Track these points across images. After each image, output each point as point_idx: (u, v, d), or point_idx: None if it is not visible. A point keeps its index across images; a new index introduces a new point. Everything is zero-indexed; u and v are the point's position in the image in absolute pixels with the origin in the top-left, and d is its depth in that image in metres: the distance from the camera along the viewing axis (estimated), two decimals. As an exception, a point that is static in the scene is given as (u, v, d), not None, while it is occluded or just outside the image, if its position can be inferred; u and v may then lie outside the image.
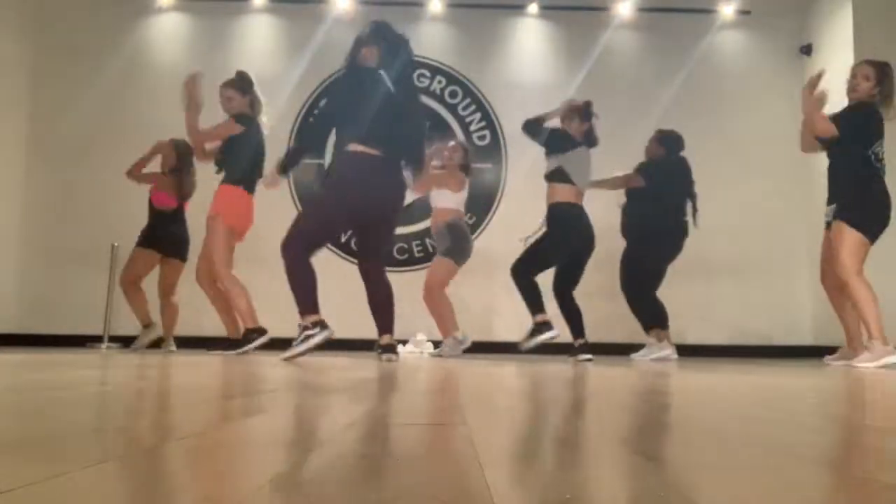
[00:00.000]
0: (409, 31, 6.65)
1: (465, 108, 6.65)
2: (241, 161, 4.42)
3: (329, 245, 6.30)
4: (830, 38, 6.19)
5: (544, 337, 4.63)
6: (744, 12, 6.69)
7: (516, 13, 6.75)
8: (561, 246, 4.69)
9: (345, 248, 6.23)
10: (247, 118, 4.53)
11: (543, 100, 6.51)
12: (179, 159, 5.24)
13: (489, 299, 6.03)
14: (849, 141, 4.18)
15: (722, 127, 6.52)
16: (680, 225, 5.05)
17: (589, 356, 4.49)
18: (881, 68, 4.33)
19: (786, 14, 6.66)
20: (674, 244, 5.05)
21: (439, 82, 6.67)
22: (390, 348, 3.74)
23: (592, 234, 4.68)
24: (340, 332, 5.92)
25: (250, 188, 4.47)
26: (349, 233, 5.72)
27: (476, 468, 0.70)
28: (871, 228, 4.15)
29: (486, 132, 6.64)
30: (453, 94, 6.66)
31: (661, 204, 5.03)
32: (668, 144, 5.23)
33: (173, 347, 5.25)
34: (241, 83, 4.67)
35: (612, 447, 0.93)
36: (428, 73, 6.67)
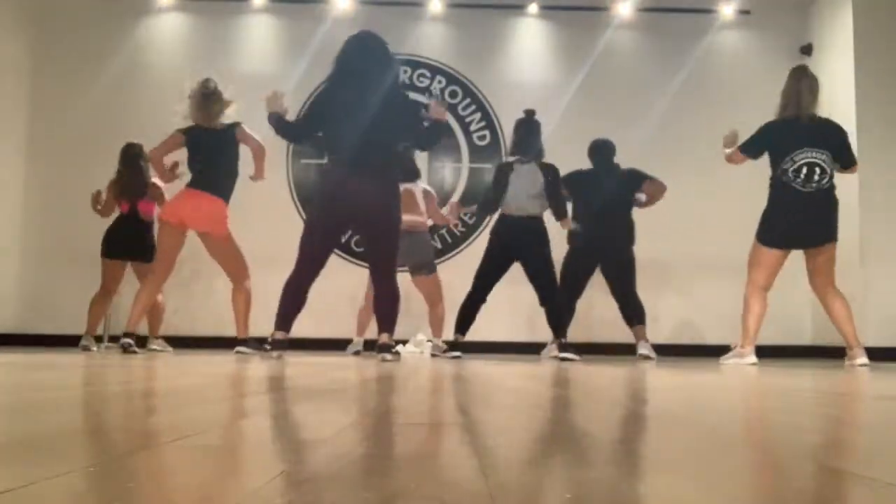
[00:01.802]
0: (409, 31, 6.73)
1: (465, 108, 6.65)
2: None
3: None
4: (830, 38, 6.19)
5: (450, 354, 4.74)
6: (744, 12, 6.69)
7: (516, 13, 6.74)
8: (484, 256, 4.83)
9: (344, 248, 6.23)
10: (184, 129, 4.61)
11: (543, 100, 6.51)
12: (120, 162, 5.26)
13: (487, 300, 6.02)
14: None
15: (722, 127, 6.44)
16: (596, 234, 4.95)
17: (564, 354, 4.53)
18: (794, 78, 4.36)
19: (786, 14, 6.65)
20: (580, 254, 5.05)
21: (439, 82, 6.66)
22: (385, 348, 3.77)
23: (527, 239, 4.67)
24: (341, 332, 5.96)
25: (191, 184, 4.55)
26: (348, 233, 5.75)
27: (476, 468, 0.70)
28: (763, 236, 4.34)
29: (486, 132, 6.64)
30: (453, 94, 6.66)
31: (580, 214, 5.05)
32: (592, 154, 5.24)
33: (157, 347, 5.15)
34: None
35: (612, 447, 0.93)
36: (428, 73, 6.67)
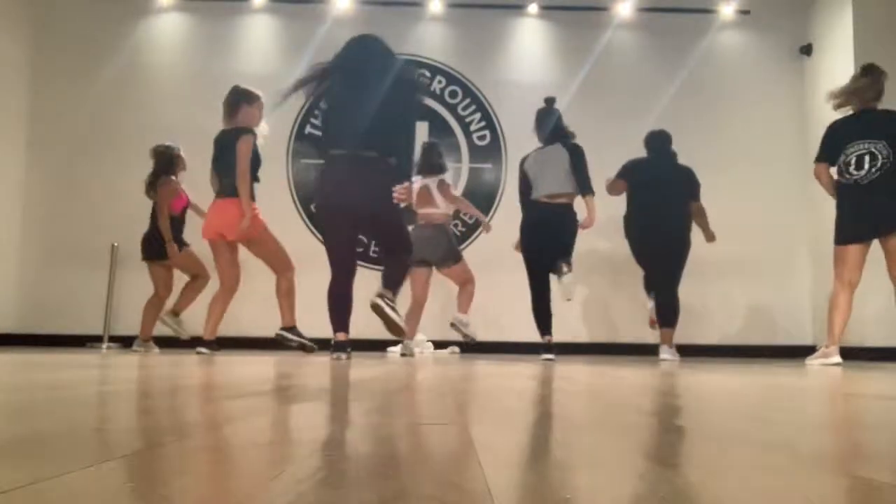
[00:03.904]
0: (409, 31, 6.73)
1: (465, 108, 6.65)
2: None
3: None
4: (830, 38, 6.19)
5: (544, 356, 4.70)
6: (744, 12, 6.69)
7: (516, 13, 6.75)
8: (523, 253, 4.91)
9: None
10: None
11: (543, 100, 6.52)
12: (155, 164, 5.27)
13: (487, 299, 6.02)
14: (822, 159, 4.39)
15: (722, 127, 6.52)
16: (655, 221, 4.99)
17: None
18: (854, 77, 4.42)
19: (786, 14, 6.66)
20: (642, 240, 5.07)
21: (439, 82, 6.67)
22: (382, 297, 3.76)
23: (554, 225, 4.72)
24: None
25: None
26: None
27: (476, 468, 0.70)
28: (836, 238, 4.35)
29: (486, 132, 6.64)
30: (453, 94, 6.66)
31: (635, 202, 5.10)
32: (648, 144, 5.26)
33: (141, 348, 5.15)
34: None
35: (612, 447, 0.93)
36: (428, 73, 6.67)
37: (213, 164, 4.63)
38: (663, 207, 5.00)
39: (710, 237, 5.23)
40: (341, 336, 3.78)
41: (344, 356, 3.72)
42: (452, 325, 5.19)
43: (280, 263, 4.59)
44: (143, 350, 5.07)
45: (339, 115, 3.80)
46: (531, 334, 5.23)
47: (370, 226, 3.91)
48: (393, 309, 3.73)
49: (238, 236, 4.48)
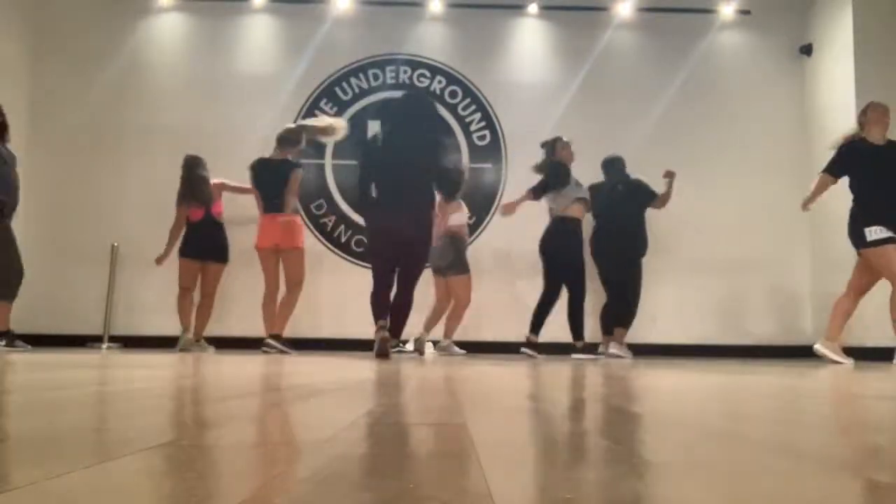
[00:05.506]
0: (409, 31, 6.73)
1: (465, 108, 6.65)
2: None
3: (331, 246, 6.31)
4: (830, 38, 6.19)
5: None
6: (744, 12, 6.69)
7: (516, 13, 6.74)
8: None
9: (345, 249, 6.23)
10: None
11: (543, 100, 6.51)
12: (184, 173, 5.36)
13: (488, 298, 6.02)
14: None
15: (722, 127, 6.51)
16: (614, 242, 5.37)
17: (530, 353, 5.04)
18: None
19: (786, 14, 6.65)
20: (605, 258, 5.42)
21: (439, 82, 6.66)
22: (393, 345, 4.35)
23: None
24: (341, 331, 5.97)
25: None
26: (347, 232, 5.91)
27: (476, 468, 0.70)
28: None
29: (486, 132, 6.64)
30: (453, 94, 6.65)
31: (600, 223, 5.47)
32: (604, 169, 5.57)
33: (207, 347, 5.30)
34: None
35: (612, 447, 0.93)
36: (428, 73, 6.67)
37: (263, 187, 5.12)
38: (619, 230, 5.38)
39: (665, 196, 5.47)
40: (381, 323, 4.29)
41: (380, 335, 4.25)
42: (440, 347, 5.49)
43: (300, 277, 5.13)
44: (199, 349, 5.19)
45: (390, 162, 4.31)
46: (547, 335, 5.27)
47: (406, 251, 4.39)
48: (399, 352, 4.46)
49: (297, 245, 5.11)
